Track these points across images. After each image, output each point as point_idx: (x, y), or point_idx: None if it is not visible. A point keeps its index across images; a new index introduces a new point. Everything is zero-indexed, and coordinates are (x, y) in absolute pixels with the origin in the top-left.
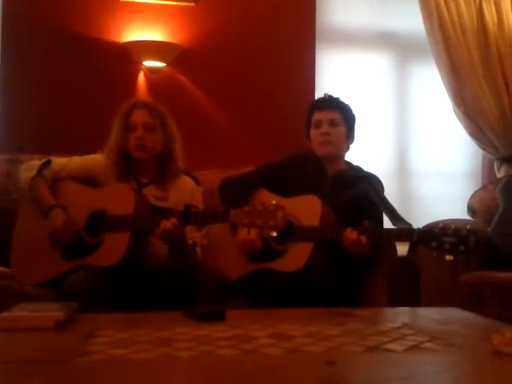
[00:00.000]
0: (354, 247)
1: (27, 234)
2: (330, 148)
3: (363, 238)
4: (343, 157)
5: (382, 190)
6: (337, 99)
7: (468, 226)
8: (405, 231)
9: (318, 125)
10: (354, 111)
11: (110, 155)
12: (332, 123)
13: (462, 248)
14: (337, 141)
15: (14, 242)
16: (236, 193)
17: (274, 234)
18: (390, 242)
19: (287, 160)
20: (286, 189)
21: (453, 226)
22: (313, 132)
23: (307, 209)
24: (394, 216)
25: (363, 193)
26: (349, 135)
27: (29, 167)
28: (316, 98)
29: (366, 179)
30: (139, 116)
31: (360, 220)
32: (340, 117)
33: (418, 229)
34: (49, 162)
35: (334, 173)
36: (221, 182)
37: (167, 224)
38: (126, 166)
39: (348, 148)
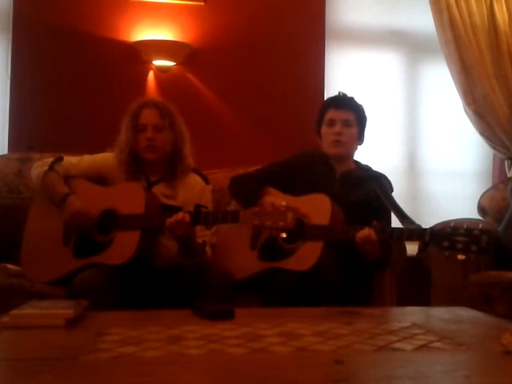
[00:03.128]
0: (366, 245)
1: (38, 233)
2: (341, 149)
3: (373, 235)
4: (352, 156)
5: (391, 189)
6: (352, 99)
7: (480, 226)
8: (416, 231)
9: (332, 123)
10: (366, 112)
11: (121, 156)
12: (346, 123)
13: (474, 248)
14: (348, 142)
15: (24, 241)
16: (247, 188)
17: (284, 235)
18: (401, 241)
19: (296, 159)
20: (294, 188)
21: (465, 226)
22: (325, 130)
23: (317, 208)
24: (402, 216)
25: (372, 192)
26: (360, 136)
27: (40, 164)
28: (326, 96)
29: (374, 178)
30: (148, 117)
31: (368, 219)
32: (354, 118)
33: (430, 228)
34: (60, 159)
35: (342, 172)
36: (230, 179)
37: (178, 217)
38: (136, 165)
39: (356, 148)
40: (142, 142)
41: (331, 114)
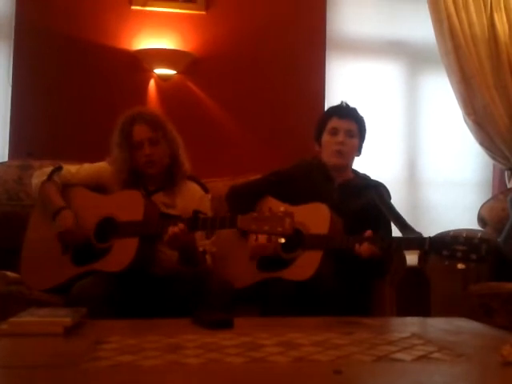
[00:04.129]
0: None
1: (37, 240)
2: (342, 160)
3: (374, 249)
4: (350, 166)
5: (389, 198)
6: (355, 110)
7: (479, 234)
8: (416, 240)
9: (335, 132)
10: (367, 124)
11: (120, 176)
12: (349, 134)
13: (473, 257)
14: (349, 152)
15: (24, 248)
16: (243, 201)
17: (282, 240)
18: (400, 250)
19: (294, 168)
20: (293, 197)
21: (464, 234)
22: (327, 138)
23: (316, 217)
24: (402, 224)
25: (371, 202)
26: (359, 148)
27: (40, 174)
28: (326, 106)
29: (373, 188)
30: (141, 133)
31: (368, 229)
32: (357, 129)
33: (430, 237)
34: (60, 168)
35: (341, 182)
36: (228, 190)
37: (175, 229)
38: (135, 179)
39: (353, 159)
40: (140, 159)
41: (334, 122)
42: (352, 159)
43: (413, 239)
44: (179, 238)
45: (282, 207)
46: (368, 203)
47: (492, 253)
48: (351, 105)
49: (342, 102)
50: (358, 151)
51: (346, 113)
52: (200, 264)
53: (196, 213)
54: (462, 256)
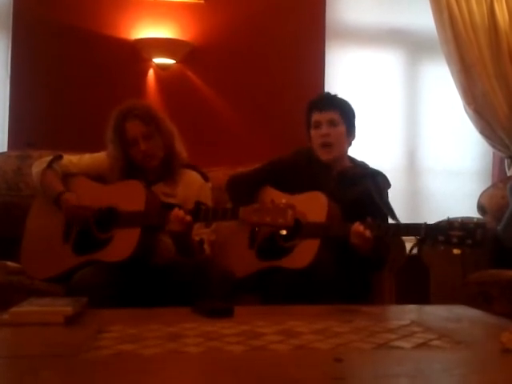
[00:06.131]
0: (359, 239)
1: (38, 230)
2: (332, 154)
3: (368, 232)
4: (346, 154)
5: (388, 185)
6: (334, 97)
7: (475, 219)
8: (412, 226)
9: (317, 125)
10: (354, 107)
11: (114, 174)
12: (332, 123)
13: (469, 242)
14: (337, 142)
15: (24, 238)
16: (242, 191)
17: (284, 232)
18: (396, 236)
19: (292, 157)
20: (291, 186)
21: (459, 220)
22: (313, 133)
23: (313, 205)
24: (392, 218)
25: (368, 191)
26: (349, 133)
27: (40, 163)
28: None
29: (370, 176)
30: (135, 129)
31: (365, 217)
32: (339, 116)
33: (425, 223)
34: (60, 157)
35: (338, 171)
36: (227, 180)
37: (179, 212)
38: (133, 172)
39: (350, 144)
40: (137, 156)
41: (315, 116)
42: (344, 147)
43: (409, 226)
44: (182, 221)
45: (283, 199)
46: (365, 192)
47: (487, 237)
48: (334, 92)
49: (320, 94)
50: (351, 135)
51: (324, 104)
52: (196, 253)
53: (198, 204)
54: (457, 241)
